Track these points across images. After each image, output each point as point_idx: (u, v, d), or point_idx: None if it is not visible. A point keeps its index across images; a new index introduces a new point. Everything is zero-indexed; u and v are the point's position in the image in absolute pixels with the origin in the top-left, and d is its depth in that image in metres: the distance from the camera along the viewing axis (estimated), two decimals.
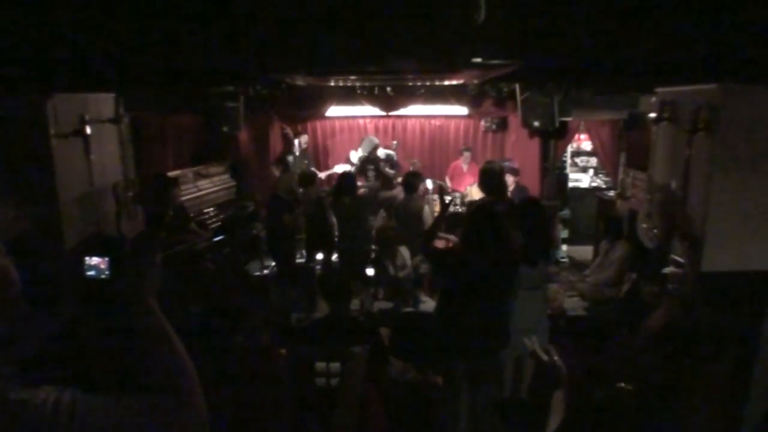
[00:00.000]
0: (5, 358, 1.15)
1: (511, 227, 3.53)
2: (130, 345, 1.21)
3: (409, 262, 5.06)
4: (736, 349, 2.52)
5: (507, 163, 6.93)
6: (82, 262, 1.35)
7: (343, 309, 3.40)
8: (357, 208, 5.59)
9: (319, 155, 8.85)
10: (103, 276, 1.35)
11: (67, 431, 1.02)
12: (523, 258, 3.46)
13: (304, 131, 8.35)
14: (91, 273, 1.35)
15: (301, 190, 6.21)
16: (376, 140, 7.78)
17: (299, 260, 6.27)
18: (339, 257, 5.85)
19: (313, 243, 6.02)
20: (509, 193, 5.59)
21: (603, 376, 2.35)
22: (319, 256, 6.12)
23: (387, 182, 7.53)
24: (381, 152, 7.74)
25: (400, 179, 6.93)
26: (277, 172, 6.83)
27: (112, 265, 1.35)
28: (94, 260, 1.35)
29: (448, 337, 3.33)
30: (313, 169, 7.61)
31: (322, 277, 4.59)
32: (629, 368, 2.19)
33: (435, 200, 7.32)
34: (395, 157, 7.88)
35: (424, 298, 4.89)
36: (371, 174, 7.42)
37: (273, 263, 6.22)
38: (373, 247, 5.47)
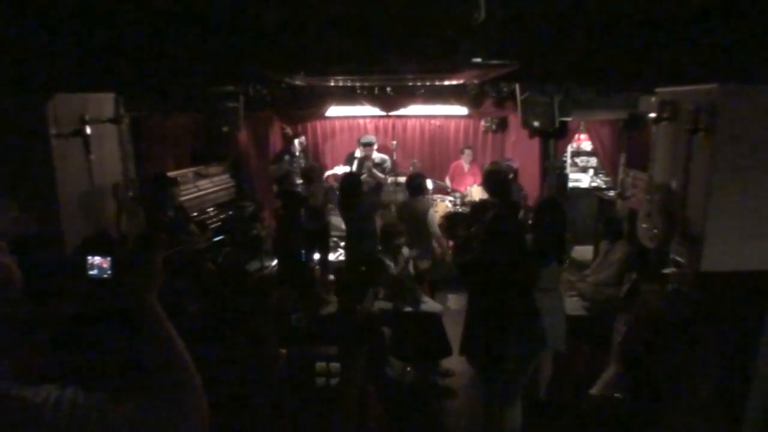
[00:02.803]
0: (7, 357, 1.15)
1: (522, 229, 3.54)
2: (132, 344, 1.21)
3: (409, 261, 5.06)
4: (728, 343, 2.51)
5: (507, 163, 6.93)
6: (85, 261, 1.35)
7: (353, 305, 3.41)
8: (369, 207, 5.57)
9: (319, 155, 8.84)
10: (105, 275, 1.35)
11: (68, 430, 1.02)
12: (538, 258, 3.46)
13: (304, 132, 8.33)
14: (94, 272, 1.35)
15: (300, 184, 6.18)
16: (373, 138, 7.72)
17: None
18: (346, 257, 5.83)
19: (312, 242, 6.01)
20: None
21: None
22: (316, 256, 6.12)
23: (377, 187, 7.37)
24: (376, 155, 7.60)
25: (402, 179, 6.88)
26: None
27: (114, 265, 1.34)
28: (97, 259, 1.35)
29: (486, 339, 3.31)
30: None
31: (340, 270, 4.57)
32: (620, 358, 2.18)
33: (435, 201, 7.32)
34: (388, 163, 7.74)
35: (425, 298, 4.89)
36: (362, 177, 7.35)
37: (273, 263, 6.21)
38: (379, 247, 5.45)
